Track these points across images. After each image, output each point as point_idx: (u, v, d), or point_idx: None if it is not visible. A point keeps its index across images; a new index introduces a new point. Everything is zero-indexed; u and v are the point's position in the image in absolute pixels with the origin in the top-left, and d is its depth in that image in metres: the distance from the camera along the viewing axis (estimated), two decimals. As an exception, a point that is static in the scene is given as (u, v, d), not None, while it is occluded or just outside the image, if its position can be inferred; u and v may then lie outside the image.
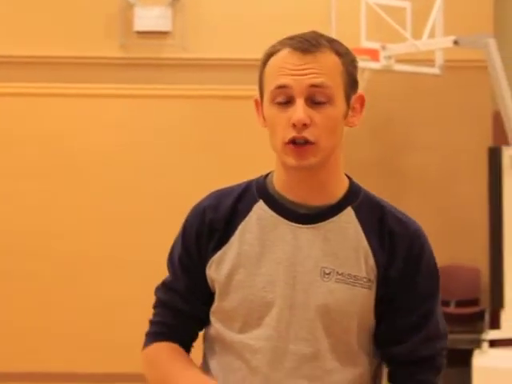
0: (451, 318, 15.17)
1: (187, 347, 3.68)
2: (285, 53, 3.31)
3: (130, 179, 14.35)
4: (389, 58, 13.53)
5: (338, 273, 3.39)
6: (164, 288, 3.68)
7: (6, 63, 15.69)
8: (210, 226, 3.50)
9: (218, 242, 3.48)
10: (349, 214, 3.47)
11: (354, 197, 3.53)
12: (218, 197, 3.57)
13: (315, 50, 3.29)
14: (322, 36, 3.38)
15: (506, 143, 12.79)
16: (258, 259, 3.43)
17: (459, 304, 15.32)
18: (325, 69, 3.29)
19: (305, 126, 3.24)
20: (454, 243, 15.23)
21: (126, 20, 16.07)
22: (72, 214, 14.46)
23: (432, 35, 13.45)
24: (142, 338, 3.76)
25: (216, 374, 3.55)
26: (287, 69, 3.30)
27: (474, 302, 15.26)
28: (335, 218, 3.44)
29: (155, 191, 14.11)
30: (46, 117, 14.58)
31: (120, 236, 14.36)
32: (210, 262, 3.47)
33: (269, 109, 3.33)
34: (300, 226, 3.41)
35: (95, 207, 14.59)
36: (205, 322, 3.61)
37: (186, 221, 3.61)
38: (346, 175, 3.64)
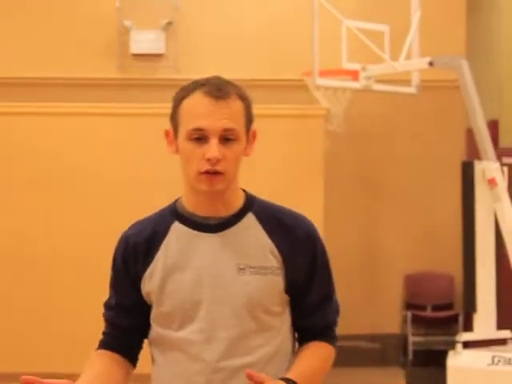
0: (427, 322, 15.57)
1: (131, 352, 4.08)
2: (199, 96, 3.71)
3: (126, 191, 14.41)
4: (368, 78, 13.58)
5: (250, 267, 3.81)
6: (104, 306, 4.14)
7: (16, 84, 15.91)
8: (134, 249, 3.91)
9: (144, 261, 3.88)
10: (250, 218, 3.91)
11: (251, 205, 3.96)
12: (138, 225, 4.04)
13: (227, 97, 3.71)
14: (228, 83, 3.84)
15: (478, 158, 12.89)
16: (182, 268, 3.84)
17: (435, 308, 15.55)
18: (234, 114, 3.73)
19: (217, 160, 3.67)
20: (429, 252, 15.41)
21: (123, 43, 16.23)
22: (73, 224, 14.48)
23: (409, 57, 13.51)
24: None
25: (164, 369, 3.98)
26: (202, 113, 3.68)
27: (449, 306, 15.43)
28: (239, 224, 3.89)
29: (148, 203, 13.95)
30: (50, 133, 14.52)
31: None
32: (143, 279, 3.88)
33: (185, 144, 3.74)
34: (211, 234, 3.86)
35: (92, 220, 14.55)
36: (142, 331, 4.01)
37: (115, 250, 4.02)
38: (242, 189, 4.04)
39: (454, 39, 15.43)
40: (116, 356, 3.97)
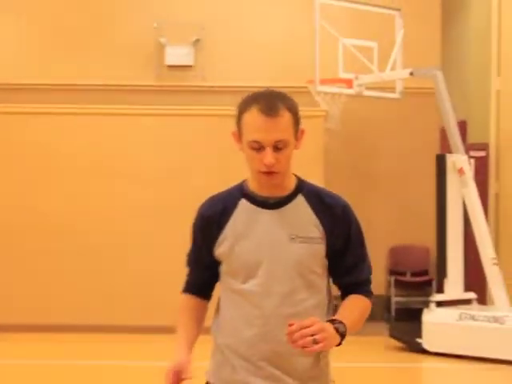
0: (407, 285, 15.73)
1: (206, 293, 4.27)
2: (254, 113, 3.80)
3: (160, 176, 14.63)
4: (360, 85, 13.69)
5: (299, 236, 3.97)
6: (187, 261, 4.29)
7: (75, 89, 16.03)
8: (208, 221, 4.08)
9: (216, 230, 4.04)
10: (300, 199, 4.06)
11: (301, 188, 4.10)
12: (210, 201, 4.17)
13: (276, 115, 3.77)
14: (277, 97, 3.90)
15: (450, 151, 13.03)
16: (247, 236, 4.01)
17: (413, 274, 15.77)
18: (283, 127, 3.82)
19: (272, 165, 3.81)
20: (409, 229, 15.63)
21: (159, 57, 16.30)
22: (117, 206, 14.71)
23: (393, 68, 13.65)
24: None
25: (229, 311, 4.12)
26: (258, 128, 3.78)
27: (425, 272, 15.62)
28: (291, 203, 4.04)
29: (173, 186, 14.44)
30: (100, 130, 14.86)
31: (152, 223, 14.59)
32: (216, 243, 4.03)
33: (247, 149, 3.87)
34: (270, 211, 4.03)
35: (135, 202, 14.73)
36: (214, 277, 4.20)
37: (193, 221, 4.22)
38: (294, 174, 4.16)
39: (430, 53, 15.58)
40: (198, 299, 4.25)
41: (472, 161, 13.05)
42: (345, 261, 4.09)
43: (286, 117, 3.80)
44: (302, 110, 12.62)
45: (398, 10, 13.93)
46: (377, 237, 15.87)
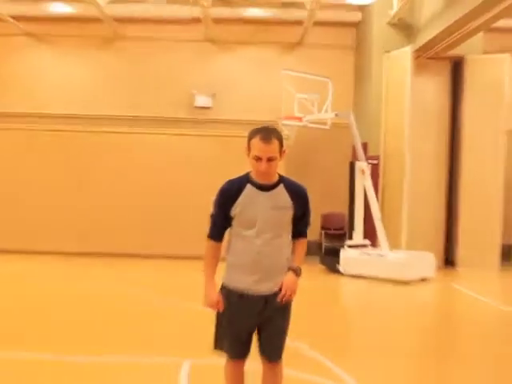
0: (331, 236, 15.57)
1: (221, 239, 4.36)
2: (258, 139, 4.13)
3: (189, 166, 14.60)
4: (307, 121, 13.77)
5: (278, 206, 4.29)
6: (211, 216, 4.36)
7: (136, 119, 15.70)
8: (228, 193, 4.26)
9: (233, 200, 4.24)
10: (281, 186, 4.33)
11: (282, 180, 4.35)
12: (229, 182, 4.31)
13: (270, 142, 4.12)
14: (272, 131, 4.21)
15: (357, 160, 13.08)
16: (250, 205, 4.25)
17: (335, 229, 15.60)
18: (273, 149, 4.15)
19: (266, 171, 4.17)
20: (333, 203, 15.48)
21: (191, 101, 16.16)
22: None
23: (326, 111, 13.73)
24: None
25: (236, 245, 4.33)
26: (259, 149, 4.12)
27: (342, 228, 15.46)
28: (276, 189, 4.31)
29: (196, 172, 14.28)
30: (160, 142, 14.87)
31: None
32: (232, 208, 4.24)
33: (252, 160, 4.18)
34: (264, 192, 4.28)
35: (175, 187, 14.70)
36: (225, 230, 4.35)
37: (220, 192, 4.30)
38: (278, 173, 4.36)
39: (347, 103, 15.70)
40: (218, 243, 4.35)
41: (369, 166, 13.28)
42: (299, 220, 4.38)
43: (275, 143, 4.15)
44: None
45: (328, 78, 13.98)
46: (315, 208, 15.93)
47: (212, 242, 4.37)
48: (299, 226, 4.44)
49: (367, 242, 13.34)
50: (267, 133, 4.20)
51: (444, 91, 14.57)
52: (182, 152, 14.78)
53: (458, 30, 12.19)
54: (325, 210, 15.77)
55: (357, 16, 15.97)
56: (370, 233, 13.30)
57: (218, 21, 15.67)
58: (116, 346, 6.98)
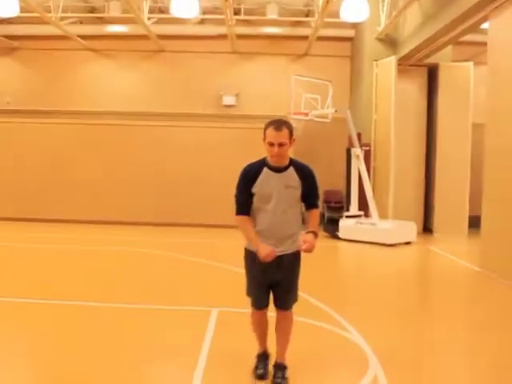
0: (332, 208, 15.27)
1: (248, 212, 4.23)
2: (271, 129, 4.08)
3: (215, 152, 14.30)
4: (312, 115, 13.59)
5: (289, 186, 4.19)
6: (236, 196, 4.26)
7: (172, 115, 15.19)
8: (249, 174, 4.19)
9: (253, 180, 4.17)
10: (291, 168, 4.22)
11: (292, 163, 4.24)
12: (250, 165, 4.24)
13: (281, 130, 4.07)
14: (282, 122, 4.16)
15: (352, 146, 12.98)
16: (267, 184, 4.16)
17: (335, 203, 15.27)
18: (284, 136, 4.08)
19: (277, 154, 4.11)
20: (333, 181, 15.23)
21: (219, 100, 16.14)
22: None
23: (328, 107, 13.46)
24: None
25: (258, 216, 4.24)
26: (272, 136, 4.07)
27: (340, 202, 15.20)
28: (288, 170, 4.21)
29: (221, 157, 13.92)
30: (191, 134, 14.54)
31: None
32: (253, 187, 4.16)
33: (266, 145, 4.12)
34: (277, 173, 4.18)
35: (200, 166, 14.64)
36: (250, 205, 4.22)
37: (242, 172, 4.24)
38: (290, 157, 4.26)
39: (345, 102, 15.55)
40: (246, 216, 4.22)
41: (363, 151, 13.14)
42: (309, 195, 4.24)
43: (285, 132, 4.09)
44: None
45: (330, 81, 13.79)
46: (319, 185, 15.83)
47: (241, 216, 4.24)
48: (310, 199, 4.28)
49: (361, 213, 13.18)
50: (279, 123, 4.14)
51: (422, 91, 14.60)
52: (212, 142, 14.54)
53: (432, 43, 12.57)
54: (326, 188, 15.59)
55: (351, 32, 16.12)
56: (363, 205, 13.13)
57: (241, 37, 15.76)
58: (156, 297, 6.92)
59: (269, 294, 4.35)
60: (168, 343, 5.02)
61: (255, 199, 4.22)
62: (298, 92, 13.51)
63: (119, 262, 9.48)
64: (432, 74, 14.47)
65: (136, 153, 14.70)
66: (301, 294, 6.89)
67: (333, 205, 15.51)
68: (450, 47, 13.69)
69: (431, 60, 13.88)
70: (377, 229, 12.14)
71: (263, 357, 4.48)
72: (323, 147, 15.96)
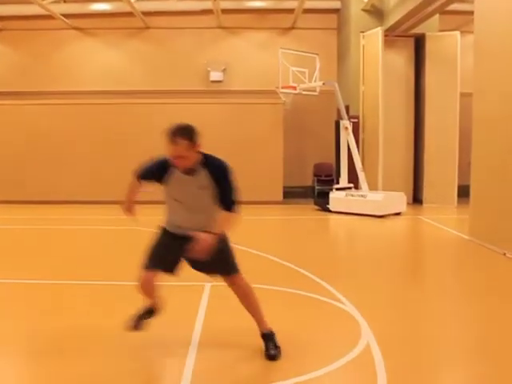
0: (323, 181, 15.42)
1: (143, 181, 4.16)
2: (167, 140, 3.70)
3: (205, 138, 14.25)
4: (300, 89, 13.56)
5: (200, 186, 3.85)
6: (145, 166, 4.13)
7: (164, 92, 15.08)
8: (162, 166, 3.90)
9: (163, 174, 3.90)
10: (202, 169, 3.85)
11: (204, 161, 3.87)
12: (167, 159, 3.86)
13: (176, 144, 3.68)
14: (180, 130, 3.72)
15: (341, 118, 12.98)
16: (178, 185, 3.90)
17: (325, 176, 15.35)
18: (180, 149, 3.69)
19: (180, 166, 3.79)
20: (323, 154, 15.34)
21: (207, 76, 15.95)
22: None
23: (315, 81, 13.57)
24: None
25: (169, 207, 4.07)
26: (168, 148, 3.70)
27: (330, 175, 15.25)
28: (198, 171, 3.85)
29: (214, 131, 14.09)
30: (184, 109, 14.06)
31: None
32: (164, 180, 3.91)
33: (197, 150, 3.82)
34: (188, 176, 3.86)
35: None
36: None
37: (158, 159, 3.99)
38: (202, 153, 3.88)
39: (332, 74, 15.42)
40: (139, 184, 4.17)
41: (351, 124, 13.13)
42: (223, 194, 3.87)
43: (181, 144, 3.69)
44: (273, 101, 12.26)
45: (317, 54, 13.83)
46: (308, 158, 15.85)
47: (135, 180, 4.21)
48: (223, 201, 3.89)
49: (351, 185, 13.19)
50: (173, 134, 3.73)
51: (409, 62, 14.58)
52: (200, 118, 14.21)
53: (418, 13, 12.55)
54: (316, 161, 15.66)
55: (337, 4, 15.92)
56: (353, 178, 13.14)
57: (226, 11, 15.62)
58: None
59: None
60: (163, 319, 5.04)
61: (167, 194, 4.03)
62: (286, 66, 13.49)
63: (116, 241, 9.47)
64: (419, 45, 14.44)
65: (125, 131, 14.62)
66: (293, 266, 6.99)
67: (323, 178, 15.54)
68: (436, 17, 13.67)
69: (418, 30, 13.82)
70: (367, 200, 12.17)
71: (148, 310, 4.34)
72: (312, 120, 15.95)
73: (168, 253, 4.08)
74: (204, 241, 3.71)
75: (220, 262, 4.05)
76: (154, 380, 3.96)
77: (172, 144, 3.70)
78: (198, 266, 4.08)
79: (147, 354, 4.21)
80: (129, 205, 4.33)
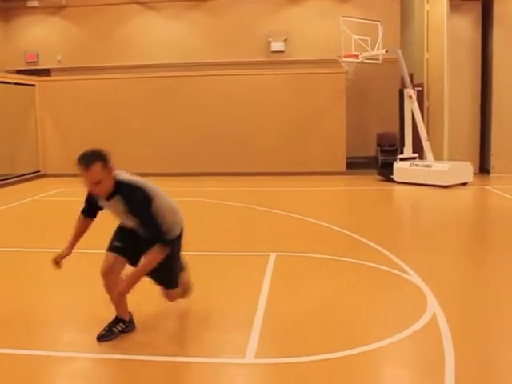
0: (386, 151, 15.19)
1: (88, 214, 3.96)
2: (79, 168, 3.48)
3: (268, 107, 14.24)
4: (362, 57, 13.41)
5: (122, 211, 3.67)
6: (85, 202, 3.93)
7: (226, 64, 15.10)
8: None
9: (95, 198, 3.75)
10: (118, 196, 3.61)
11: (118, 189, 3.61)
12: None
13: (88, 169, 3.46)
14: (89, 155, 3.50)
15: (405, 87, 12.82)
16: (107, 208, 3.77)
17: (389, 146, 14.98)
18: (94, 174, 3.46)
19: (99, 192, 3.59)
20: (387, 124, 15.14)
21: (268, 47, 15.95)
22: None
23: (378, 48, 13.35)
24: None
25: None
26: (83, 177, 3.50)
27: (394, 145, 14.94)
28: (115, 198, 3.61)
29: (264, 101, 14.30)
30: (227, 83, 14.54)
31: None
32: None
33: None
34: (108, 201, 3.67)
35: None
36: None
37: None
38: (117, 180, 3.64)
39: (395, 42, 15.04)
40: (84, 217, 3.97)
41: (415, 92, 12.92)
42: (143, 225, 3.66)
43: (93, 169, 3.46)
44: (335, 70, 12.12)
45: (379, 21, 13.62)
46: (371, 128, 15.71)
47: (79, 215, 4.01)
48: (145, 233, 3.66)
49: (415, 155, 12.98)
50: (85, 159, 3.51)
51: (476, 27, 14.15)
52: (262, 89, 14.41)
53: None
54: (379, 131, 15.51)
55: None
56: (417, 147, 12.95)
57: (287, -20, 15.67)
58: (213, 243, 7.05)
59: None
60: (226, 288, 5.16)
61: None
62: (348, 34, 13.37)
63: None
64: (486, 8, 13.98)
65: (189, 104, 14.68)
66: (358, 237, 7.00)
67: (386, 148, 15.32)
68: (505, -21, 13.24)
69: (485, -7, 13.49)
70: (432, 170, 12.00)
71: None
72: (375, 89, 15.78)
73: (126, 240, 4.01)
74: (120, 285, 3.73)
75: (164, 276, 4.03)
76: (217, 344, 4.01)
77: (86, 171, 3.49)
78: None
79: (210, 322, 4.33)
80: (62, 253, 3.97)
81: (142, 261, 3.66)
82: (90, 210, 3.97)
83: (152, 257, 3.62)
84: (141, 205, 3.63)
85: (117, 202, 3.66)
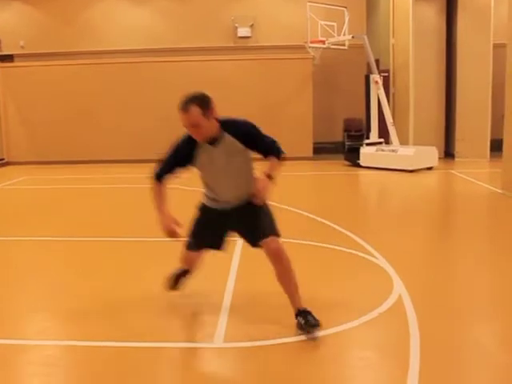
0: (353, 136, 15.38)
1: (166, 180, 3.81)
2: (179, 110, 3.48)
3: (235, 94, 14.29)
4: (329, 43, 13.48)
5: (229, 153, 3.67)
6: (164, 160, 3.79)
7: (192, 50, 15.15)
8: (183, 149, 3.71)
9: (188, 156, 3.69)
10: (226, 134, 3.62)
11: (224, 127, 3.61)
12: (188, 137, 3.66)
13: (187, 111, 3.46)
14: (191, 98, 3.48)
15: (371, 73, 12.87)
16: (208, 160, 3.67)
17: (355, 131, 15.22)
18: (193, 117, 3.44)
19: (198, 136, 3.55)
20: (354, 109, 15.27)
21: (234, 32, 15.72)
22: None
23: (344, 34, 13.40)
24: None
25: (207, 187, 3.88)
26: (181, 119, 3.50)
27: (360, 130, 15.13)
28: (223, 139, 3.61)
29: (235, 86, 14.32)
30: (204, 68, 14.54)
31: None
32: (193, 162, 3.70)
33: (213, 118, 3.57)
34: (214, 147, 3.63)
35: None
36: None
37: (177, 143, 3.74)
38: (220, 120, 3.63)
39: (361, 27, 15.02)
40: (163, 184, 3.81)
41: (381, 78, 13.01)
42: (259, 144, 3.71)
43: (192, 111, 3.47)
44: (301, 56, 12.14)
45: (345, 7, 13.66)
46: (338, 114, 15.73)
47: (157, 182, 3.86)
48: (262, 147, 3.75)
49: (381, 140, 13.13)
50: (184, 103, 3.50)
51: (441, 13, 14.25)
52: (228, 75, 14.46)
53: None
54: (346, 116, 15.55)
55: None
56: (383, 132, 13.06)
57: (252, -36, 15.57)
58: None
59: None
60: (194, 272, 5.13)
61: (201, 172, 3.82)
62: (314, 20, 13.36)
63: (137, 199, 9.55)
64: (451, -6, 14.17)
65: (150, 90, 14.65)
66: (325, 221, 7.03)
67: (353, 133, 15.45)
68: (469, -36, 13.32)
69: (450, -21, 13.54)
70: (398, 155, 12.12)
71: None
72: (341, 75, 15.77)
73: (214, 229, 3.97)
74: (262, 181, 3.67)
75: (263, 221, 3.87)
76: (191, 330, 4.03)
77: (183, 113, 3.50)
78: (242, 228, 3.93)
79: (178, 307, 4.33)
80: (167, 221, 3.79)
81: (269, 166, 3.76)
82: (164, 174, 3.81)
83: (277, 163, 3.78)
84: (253, 127, 3.70)
85: (225, 143, 3.65)
